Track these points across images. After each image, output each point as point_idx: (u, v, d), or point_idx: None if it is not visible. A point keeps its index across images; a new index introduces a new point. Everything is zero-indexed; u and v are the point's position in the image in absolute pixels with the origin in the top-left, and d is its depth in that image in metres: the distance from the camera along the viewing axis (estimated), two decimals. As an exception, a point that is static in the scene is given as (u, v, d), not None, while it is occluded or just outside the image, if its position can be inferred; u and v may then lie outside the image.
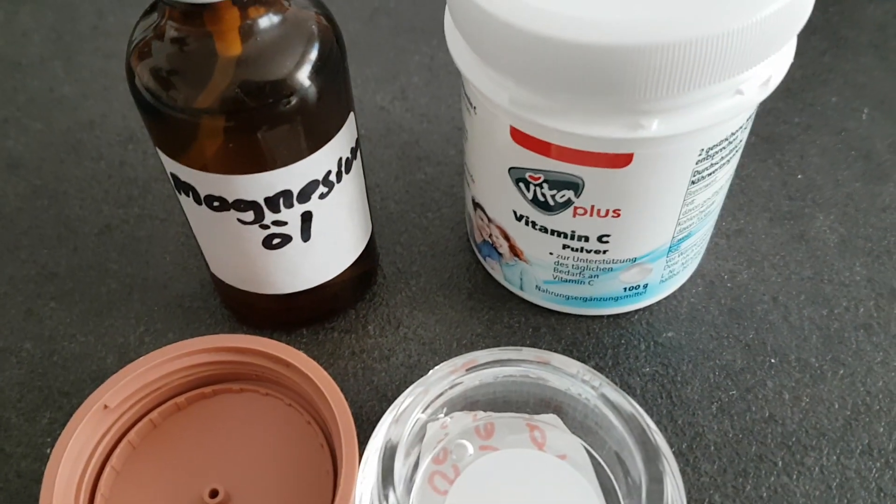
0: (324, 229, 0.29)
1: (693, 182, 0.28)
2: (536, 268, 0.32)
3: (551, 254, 0.31)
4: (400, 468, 0.26)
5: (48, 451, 0.30)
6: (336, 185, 0.28)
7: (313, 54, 0.25)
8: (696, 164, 0.27)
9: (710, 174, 0.28)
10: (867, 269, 0.34)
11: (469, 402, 0.29)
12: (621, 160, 0.26)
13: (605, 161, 0.26)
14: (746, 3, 0.22)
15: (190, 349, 0.29)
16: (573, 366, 0.28)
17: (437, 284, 0.35)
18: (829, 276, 0.34)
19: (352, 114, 0.28)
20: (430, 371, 0.28)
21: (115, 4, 0.50)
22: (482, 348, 0.33)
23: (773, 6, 0.22)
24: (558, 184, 0.28)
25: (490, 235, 0.33)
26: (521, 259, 0.32)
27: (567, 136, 0.26)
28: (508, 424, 0.30)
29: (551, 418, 0.30)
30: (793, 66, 0.42)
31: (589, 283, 0.31)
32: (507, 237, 0.32)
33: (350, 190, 0.29)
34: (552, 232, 0.30)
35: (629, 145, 0.26)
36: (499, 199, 0.31)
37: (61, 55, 0.46)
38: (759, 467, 0.29)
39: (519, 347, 0.32)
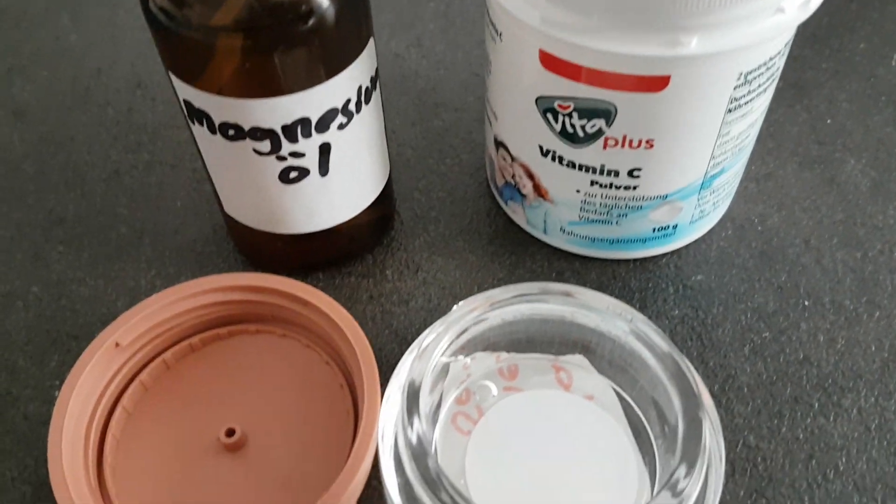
0: (342, 164, 0.28)
1: (730, 111, 0.26)
2: (562, 208, 0.31)
3: (578, 191, 0.30)
4: (424, 403, 0.25)
5: (56, 393, 0.29)
6: (355, 116, 0.27)
7: (333, -29, 0.24)
8: (735, 89, 0.26)
9: (747, 103, 0.27)
10: (901, 212, 0.33)
11: (491, 343, 0.28)
12: (657, 83, 0.25)
13: (640, 85, 0.25)
14: None
15: (205, 287, 0.28)
16: (603, 300, 0.26)
17: (457, 230, 0.34)
18: (862, 220, 0.33)
19: (371, 40, 0.27)
20: (454, 307, 0.26)
21: (122, -44, 0.48)
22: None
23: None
24: (589, 112, 0.26)
25: (513, 176, 0.32)
26: (545, 199, 0.31)
27: (601, 57, 0.24)
28: (533, 366, 0.29)
29: (578, 359, 0.29)
30: (819, 12, 0.41)
31: (617, 222, 0.30)
32: (531, 176, 0.31)
33: (369, 123, 0.28)
34: (580, 167, 0.29)
35: (666, 66, 0.24)
36: (524, 135, 0.29)
37: (67, 6, 0.45)
38: (795, 409, 0.28)
39: (545, 282, 0.31)
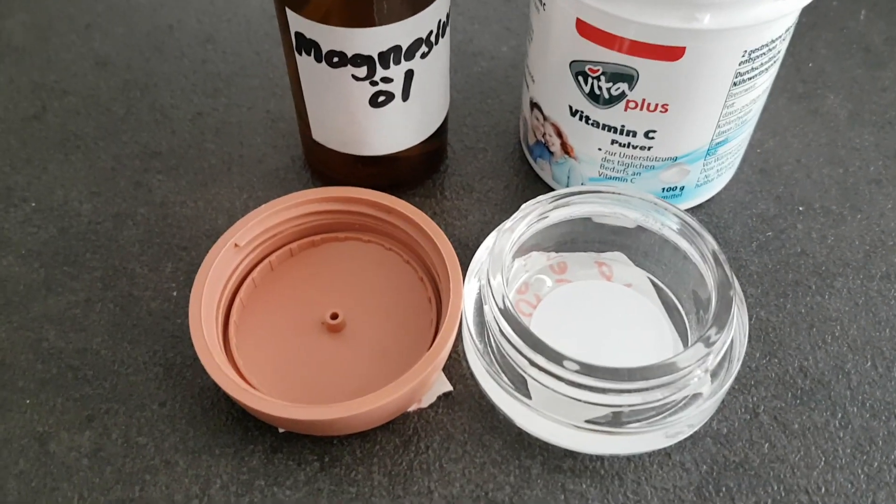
0: (420, 90, 0.31)
1: (735, 84, 0.29)
2: (584, 165, 0.33)
3: (600, 149, 0.32)
4: (503, 279, 0.28)
5: (174, 293, 0.32)
6: (434, 47, 0.31)
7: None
8: (739, 65, 0.28)
9: (750, 79, 0.29)
10: (874, 136, 0.38)
11: (543, 245, 0.32)
12: (674, 53, 0.28)
13: (660, 53, 0.28)
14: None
15: (308, 198, 0.32)
16: (649, 196, 0.30)
17: (502, 157, 0.38)
18: (843, 143, 0.38)
19: (447, -20, 0.30)
20: (522, 206, 0.30)
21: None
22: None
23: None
24: (615, 76, 0.29)
25: (544, 135, 0.34)
26: (570, 156, 0.34)
27: (629, 26, 0.27)
28: (579, 261, 0.33)
29: (617, 255, 0.33)
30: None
31: (631, 180, 0.33)
32: (560, 134, 0.33)
33: (442, 55, 0.32)
34: (603, 126, 0.31)
35: (682, 37, 0.27)
36: (557, 96, 0.32)
37: (130, -29, 0.47)
38: (797, 290, 0.32)
39: (595, 184, 0.34)
